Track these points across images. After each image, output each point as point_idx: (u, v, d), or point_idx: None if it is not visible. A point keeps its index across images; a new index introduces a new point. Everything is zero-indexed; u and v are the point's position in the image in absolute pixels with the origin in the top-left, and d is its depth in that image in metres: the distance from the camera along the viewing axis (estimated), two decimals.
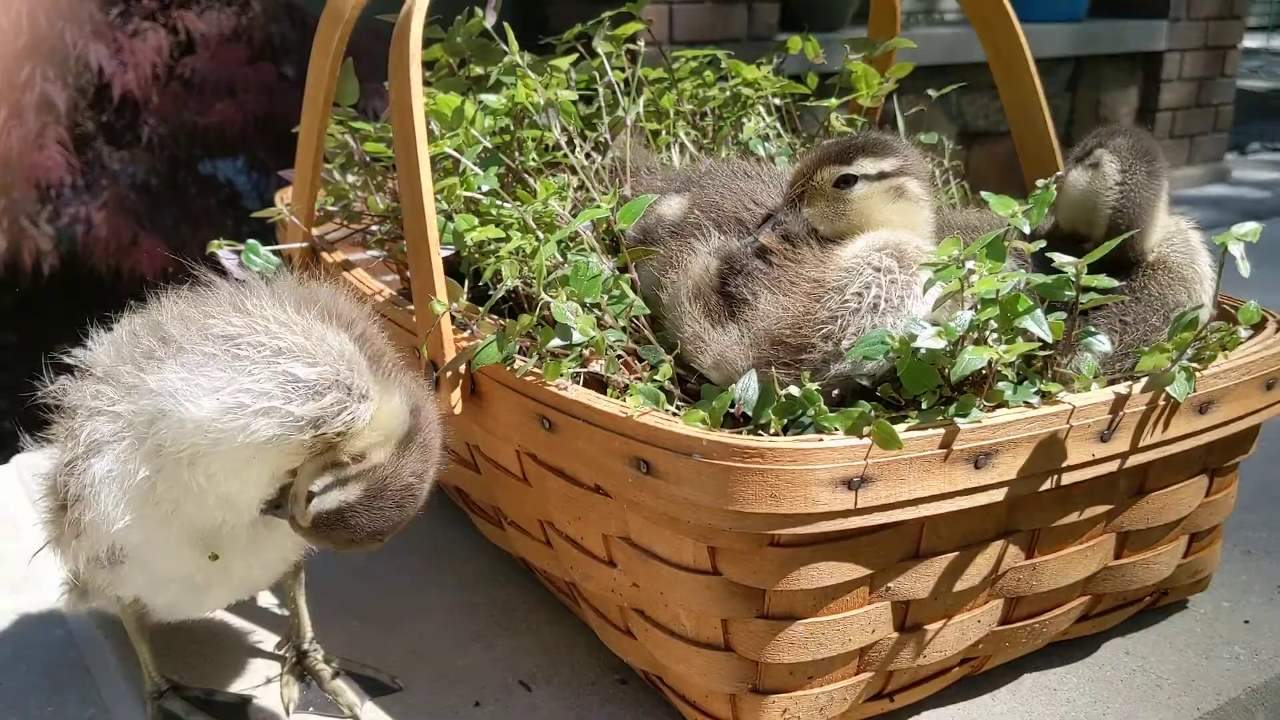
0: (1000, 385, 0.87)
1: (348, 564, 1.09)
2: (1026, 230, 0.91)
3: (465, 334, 1.00)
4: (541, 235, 1.03)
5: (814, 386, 0.85)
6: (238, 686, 1.03)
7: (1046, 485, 0.88)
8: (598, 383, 0.92)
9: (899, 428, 0.81)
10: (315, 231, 1.28)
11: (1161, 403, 0.91)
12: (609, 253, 1.04)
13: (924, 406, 0.86)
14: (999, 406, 0.87)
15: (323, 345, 0.80)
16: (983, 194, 0.96)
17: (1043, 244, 0.93)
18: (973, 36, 1.34)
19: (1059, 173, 1.03)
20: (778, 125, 1.31)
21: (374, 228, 1.32)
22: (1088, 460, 0.89)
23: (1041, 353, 0.90)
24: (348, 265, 1.22)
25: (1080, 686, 1.02)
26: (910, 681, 0.96)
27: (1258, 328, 1.02)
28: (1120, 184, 0.99)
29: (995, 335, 0.86)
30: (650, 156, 1.24)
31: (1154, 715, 0.99)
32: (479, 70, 1.29)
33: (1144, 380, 0.90)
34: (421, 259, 0.97)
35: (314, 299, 0.86)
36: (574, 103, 1.20)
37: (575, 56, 1.28)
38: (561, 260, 0.99)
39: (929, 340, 0.84)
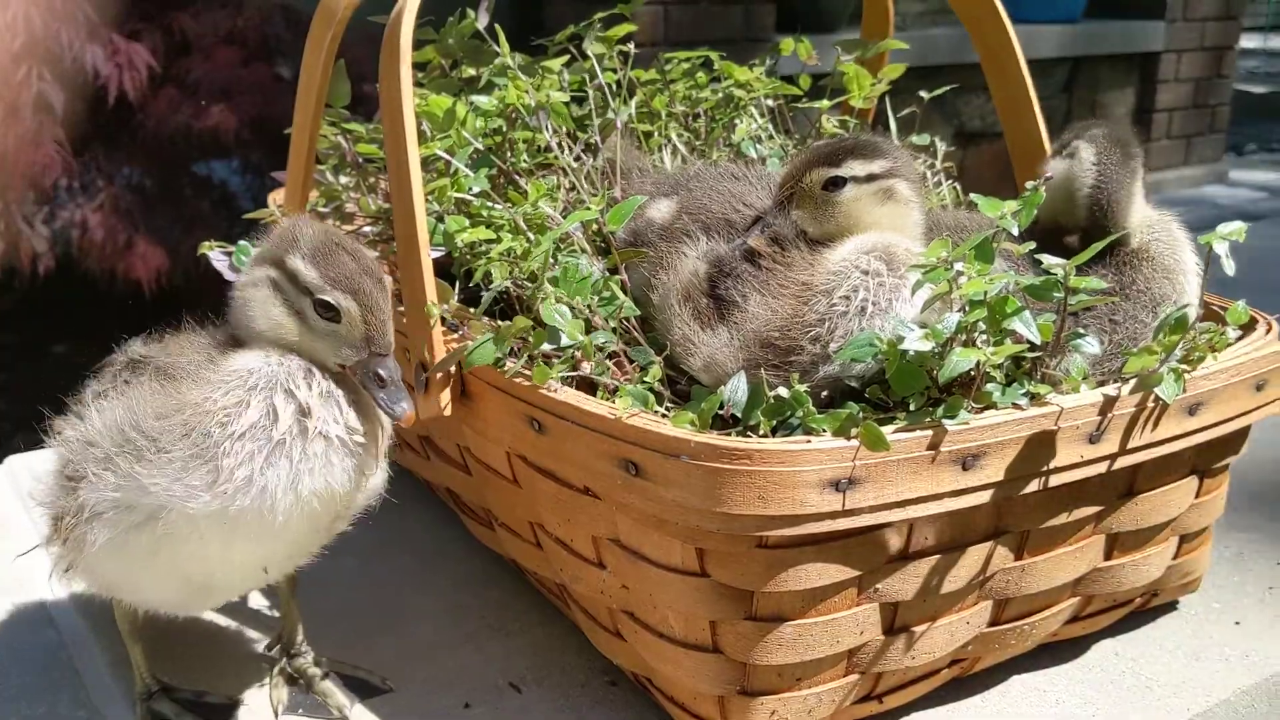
0: (988, 387, 0.87)
1: (338, 566, 1.09)
2: (1015, 232, 0.91)
3: (455, 335, 1.00)
4: (533, 237, 1.03)
5: (803, 388, 0.85)
6: (228, 688, 1.03)
7: (1035, 487, 0.88)
8: (589, 384, 0.93)
9: (887, 429, 0.81)
10: None
11: (1151, 404, 0.91)
12: (600, 254, 1.04)
13: (912, 408, 0.86)
14: (987, 408, 0.87)
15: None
16: (972, 196, 0.96)
17: (1032, 245, 0.93)
18: None
19: (1046, 175, 1.04)
20: (770, 127, 1.31)
21: (366, 228, 1.32)
22: (1076, 462, 0.89)
23: (1030, 354, 0.90)
24: None
25: (1070, 688, 1.02)
26: (899, 683, 0.96)
27: (1246, 328, 1.02)
28: (1095, 164, 1.03)
29: (984, 337, 0.86)
30: (642, 158, 1.24)
31: (1144, 717, 0.99)
32: (471, 71, 1.29)
33: (1133, 381, 0.90)
34: (412, 261, 0.97)
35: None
36: (566, 104, 1.20)
37: (567, 58, 1.29)
38: (553, 262, 0.99)
39: (916, 343, 0.84)
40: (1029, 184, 0.95)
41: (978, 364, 0.84)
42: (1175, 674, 1.04)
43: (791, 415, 0.85)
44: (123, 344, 0.94)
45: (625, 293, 0.99)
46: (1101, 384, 0.91)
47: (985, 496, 0.86)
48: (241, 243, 1.19)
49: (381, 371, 0.86)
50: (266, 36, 3.00)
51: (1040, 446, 0.86)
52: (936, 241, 0.87)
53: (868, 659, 0.91)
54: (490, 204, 1.09)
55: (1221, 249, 0.88)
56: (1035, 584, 0.96)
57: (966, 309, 0.86)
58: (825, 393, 0.91)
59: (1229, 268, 0.89)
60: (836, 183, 0.95)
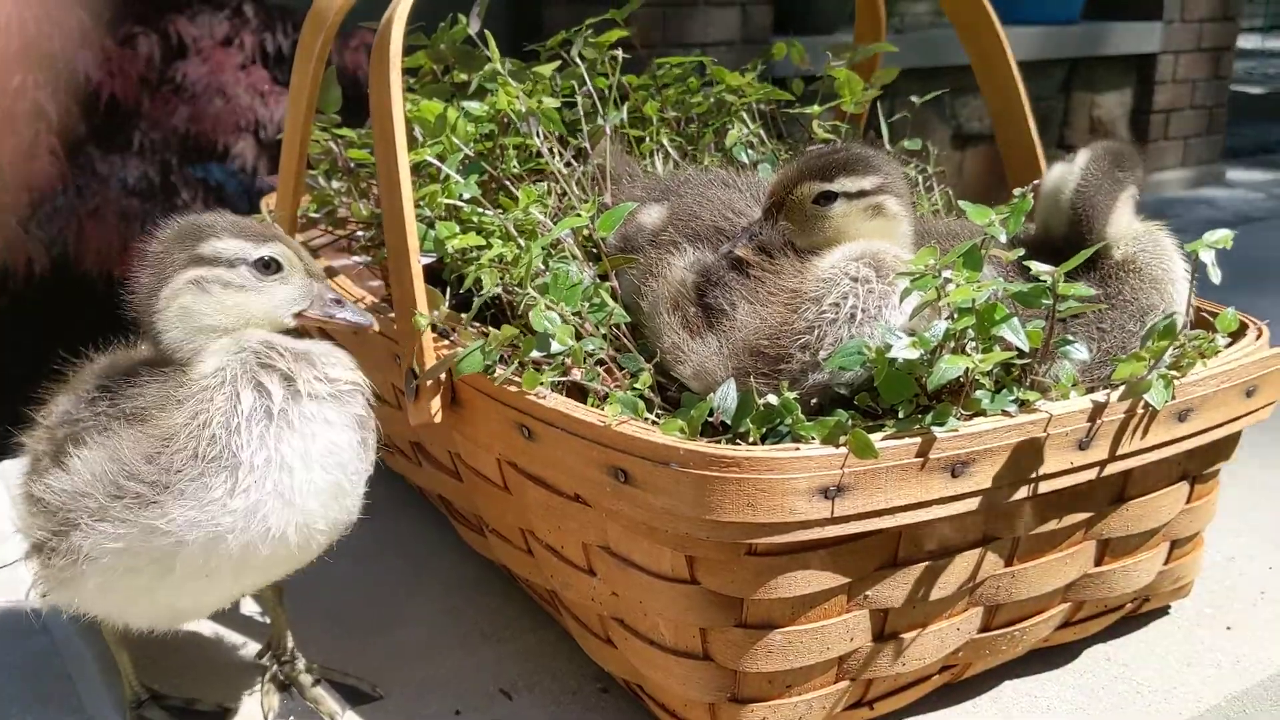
0: (978, 394, 0.87)
1: (330, 572, 1.09)
2: (1003, 239, 0.91)
3: (446, 342, 1.00)
4: (523, 243, 1.03)
5: (792, 396, 0.85)
6: (218, 695, 1.03)
7: (1024, 494, 0.88)
8: (580, 391, 0.93)
9: (875, 436, 0.81)
10: (300, 237, 1.28)
11: (1140, 410, 0.91)
12: (591, 260, 1.04)
13: (901, 415, 0.86)
14: (976, 415, 0.87)
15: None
16: (960, 203, 0.96)
17: (1021, 252, 0.93)
18: None
19: (1036, 181, 1.04)
20: (761, 132, 1.31)
21: (359, 234, 1.32)
22: (1066, 468, 0.89)
23: (1019, 361, 0.90)
24: (332, 271, 1.22)
25: (1061, 694, 1.02)
26: (890, 690, 0.96)
27: (1236, 335, 1.02)
28: (1084, 169, 1.04)
29: (973, 344, 0.86)
30: (633, 164, 1.24)
31: None
32: (463, 77, 1.29)
33: (1122, 388, 0.90)
34: (402, 267, 0.97)
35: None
36: (558, 110, 1.20)
37: (559, 63, 1.28)
38: (543, 268, 0.99)
39: (904, 350, 0.84)
40: (1017, 190, 0.94)
41: (966, 371, 0.84)
42: (1167, 679, 1.04)
43: (781, 423, 0.85)
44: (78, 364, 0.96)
45: (615, 299, 0.99)
46: (1091, 391, 0.91)
47: (974, 504, 0.86)
48: None
49: (332, 296, 0.91)
50: (263, 40, 3.00)
51: (1029, 453, 0.86)
52: (925, 249, 0.87)
53: (858, 666, 0.91)
54: (481, 210, 1.09)
55: (1208, 257, 0.88)
56: (1026, 590, 0.95)
57: (955, 316, 0.86)
58: (815, 400, 0.91)
59: (1215, 276, 0.89)
60: (828, 197, 0.95)
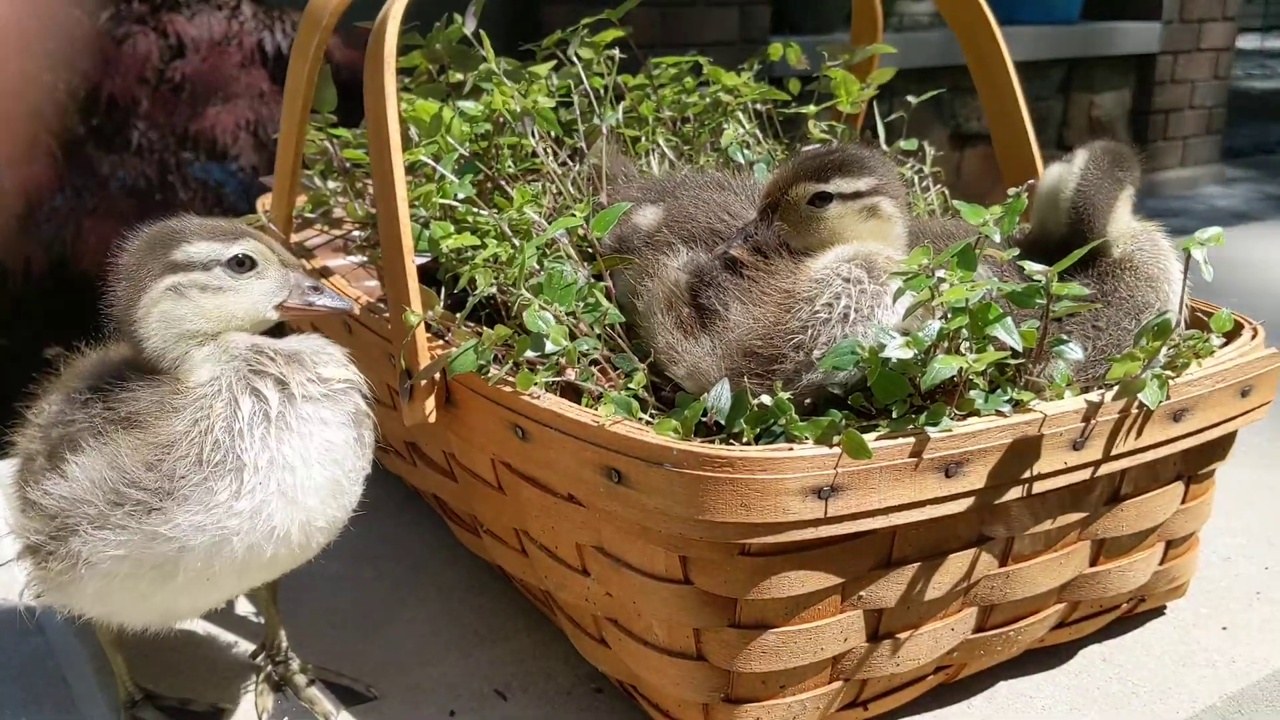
0: (971, 394, 0.87)
1: (325, 572, 1.09)
2: (997, 238, 0.91)
3: (440, 342, 1.00)
4: (518, 243, 1.03)
5: (786, 396, 0.85)
6: (213, 695, 1.03)
7: (1019, 494, 0.88)
8: (574, 391, 0.92)
9: (869, 437, 0.81)
10: (296, 237, 1.28)
11: (1135, 410, 0.91)
12: (586, 261, 1.04)
13: (895, 415, 0.86)
14: (970, 415, 0.87)
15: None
16: (955, 202, 0.96)
17: (1016, 252, 0.93)
18: None
19: (1030, 180, 1.04)
20: (758, 132, 1.31)
21: (354, 233, 1.32)
22: (1060, 469, 0.89)
23: (1013, 361, 0.90)
24: (327, 271, 1.22)
25: (1056, 694, 1.02)
26: (884, 690, 0.96)
27: (1231, 335, 1.02)
28: (1083, 169, 1.04)
29: (966, 344, 0.86)
30: (629, 164, 1.24)
31: None
32: (458, 76, 1.29)
33: (1116, 388, 0.90)
34: (396, 267, 0.97)
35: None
36: (554, 109, 1.20)
37: (555, 63, 1.28)
38: (538, 268, 0.99)
39: (898, 350, 0.84)
40: (1011, 190, 0.94)
41: (960, 371, 0.84)
42: (1162, 679, 1.04)
43: (774, 423, 0.85)
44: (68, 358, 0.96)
45: (610, 299, 0.99)
46: (1085, 391, 0.91)
47: (968, 504, 0.86)
48: None
49: (309, 283, 0.91)
50: (262, 39, 3.00)
51: (1024, 453, 0.86)
52: (918, 249, 0.87)
53: (852, 666, 0.91)
54: (476, 210, 1.09)
55: (1199, 255, 0.88)
56: (1021, 590, 0.95)
57: (948, 316, 0.86)
58: (808, 400, 0.90)
59: (1207, 274, 0.89)
60: (823, 198, 0.95)
